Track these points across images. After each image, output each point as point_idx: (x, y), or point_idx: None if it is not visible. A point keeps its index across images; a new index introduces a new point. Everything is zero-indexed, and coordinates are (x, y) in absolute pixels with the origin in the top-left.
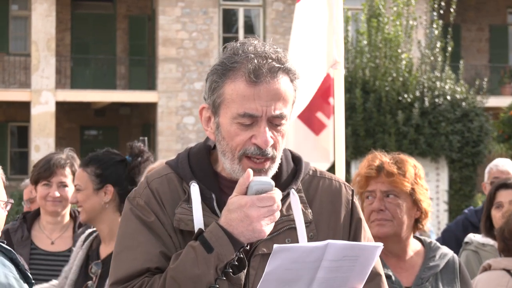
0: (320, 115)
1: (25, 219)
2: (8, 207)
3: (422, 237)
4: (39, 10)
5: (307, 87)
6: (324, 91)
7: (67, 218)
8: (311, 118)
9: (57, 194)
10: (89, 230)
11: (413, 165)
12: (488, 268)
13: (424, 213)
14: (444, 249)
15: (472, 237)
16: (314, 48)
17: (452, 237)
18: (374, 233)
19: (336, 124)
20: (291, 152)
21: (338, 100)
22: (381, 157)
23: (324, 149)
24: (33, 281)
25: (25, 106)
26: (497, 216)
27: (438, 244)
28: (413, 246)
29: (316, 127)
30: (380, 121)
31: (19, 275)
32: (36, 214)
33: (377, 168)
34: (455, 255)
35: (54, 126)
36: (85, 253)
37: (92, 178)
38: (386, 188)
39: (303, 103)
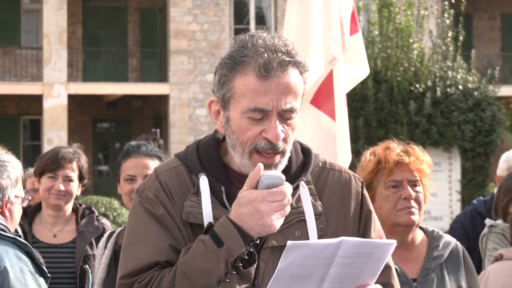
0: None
1: (25, 213)
2: (25, 203)
3: (424, 226)
4: (50, 3)
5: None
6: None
7: (69, 211)
8: (331, 107)
9: (62, 187)
10: (108, 232)
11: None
12: (500, 258)
13: (425, 200)
14: (447, 238)
15: (496, 221)
16: (309, 44)
17: (459, 227)
18: (403, 221)
19: (337, 119)
20: (300, 144)
21: (338, 95)
22: (398, 145)
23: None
24: (49, 275)
25: (37, 99)
26: None
27: (440, 232)
28: (418, 236)
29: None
30: (392, 111)
31: (34, 269)
32: (37, 208)
33: (406, 153)
34: (458, 243)
35: (66, 119)
36: (112, 250)
37: None
38: (413, 177)
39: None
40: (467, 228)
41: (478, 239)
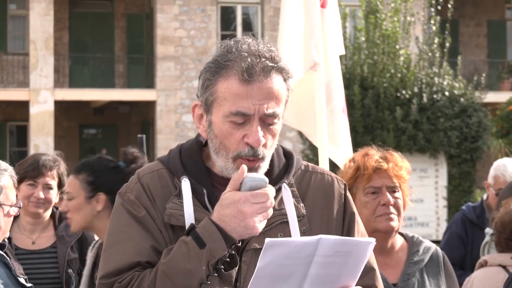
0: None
1: None
2: (16, 211)
3: (404, 232)
4: (37, 9)
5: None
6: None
7: (47, 218)
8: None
9: (42, 195)
10: (97, 238)
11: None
12: (484, 264)
13: (405, 206)
14: (427, 243)
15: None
16: (290, 49)
17: (454, 237)
18: (382, 228)
19: (318, 125)
20: (282, 148)
21: (320, 102)
22: (377, 151)
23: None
24: (29, 285)
25: (23, 106)
26: None
27: (420, 238)
28: (398, 241)
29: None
30: (378, 117)
31: (12, 280)
32: None
33: (384, 160)
34: (438, 248)
35: (53, 125)
36: (92, 262)
37: (84, 186)
38: (392, 184)
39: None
40: (462, 235)
41: (473, 246)
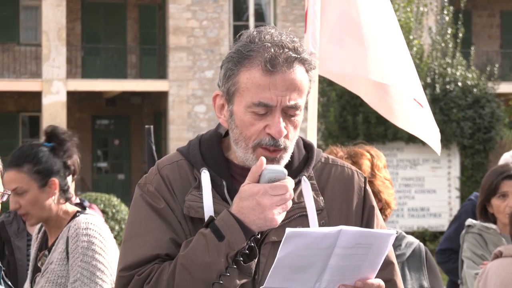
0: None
1: None
2: (5, 198)
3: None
4: (49, 0)
5: None
6: None
7: None
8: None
9: None
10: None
11: (369, 157)
12: (499, 255)
13: (386, 203)
14: (410, 238)
15: (473, 221)
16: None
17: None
18: None
19: (309, 116)
20: (302, 140)
21: (313, 90)
22: (337, 152)
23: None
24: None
25: (36, 96)
26: (501, 205)
27: (403, 233)
28: None
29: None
30: None
31: None
32: None
33: (349, 158)
34: (421, 244)
35: (65, 116)
36: (37, 248)
37: (33, 177)
38: None
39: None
40: None
41: None
